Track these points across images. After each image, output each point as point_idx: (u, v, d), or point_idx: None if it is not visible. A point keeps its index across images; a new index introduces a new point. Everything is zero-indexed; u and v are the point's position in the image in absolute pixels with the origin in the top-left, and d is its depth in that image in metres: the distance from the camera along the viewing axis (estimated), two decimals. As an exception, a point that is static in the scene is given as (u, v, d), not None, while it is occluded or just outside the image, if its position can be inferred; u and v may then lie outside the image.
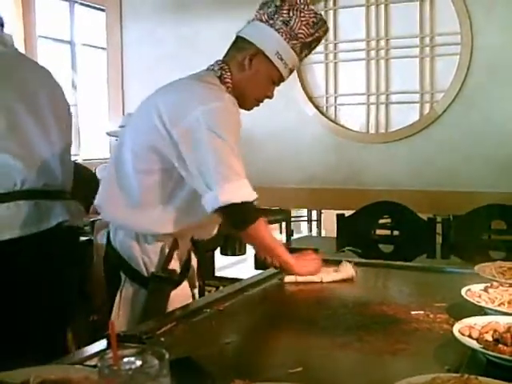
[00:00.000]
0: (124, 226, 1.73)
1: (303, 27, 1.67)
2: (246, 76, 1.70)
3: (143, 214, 1.68)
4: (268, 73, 1.71)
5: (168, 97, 1.68)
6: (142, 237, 1.70)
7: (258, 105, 1.79)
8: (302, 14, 1.67)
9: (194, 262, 1.92)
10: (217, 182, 1.55)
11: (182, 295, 1.75)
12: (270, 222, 1.92)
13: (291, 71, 1.75)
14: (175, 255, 1.72)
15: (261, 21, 1.70)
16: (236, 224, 1.68)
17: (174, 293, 1.73)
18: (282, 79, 1.75)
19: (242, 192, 1.57)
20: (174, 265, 1.72)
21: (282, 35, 1.67)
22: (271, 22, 1.68)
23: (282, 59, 1.68)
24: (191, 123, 1.57)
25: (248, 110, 1.79)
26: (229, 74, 1.69)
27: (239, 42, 1.73)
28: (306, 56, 1.77)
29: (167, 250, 1.71)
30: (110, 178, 1.76)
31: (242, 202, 1.56)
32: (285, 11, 1.67)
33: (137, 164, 1.67)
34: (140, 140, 1.69)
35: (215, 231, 1.89)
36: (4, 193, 1.78)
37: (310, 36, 1.69)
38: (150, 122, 1.64)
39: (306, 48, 1.72)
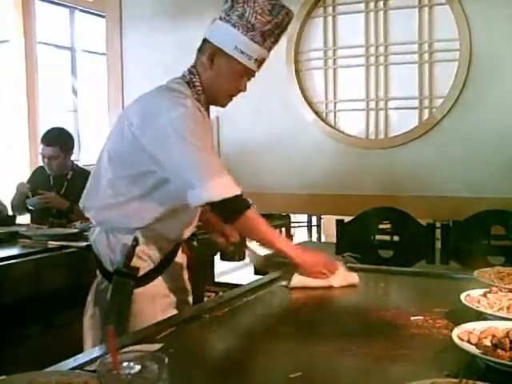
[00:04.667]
0: (100, 221, 1.81)
1: (259, 16, 1.68)
2: (211, 75, 1.75)
3: (117, 210, 1.75)
4: (231, 68, 1.72)
5: (138, 107, 1.77)
6: (111, 232, 1.77)
7: (231, 99, 1.81)
8: (256, 4, 1.68)
9: (180, 262, 1.92)
10: (198, 180, 1.63)
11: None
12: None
13: (261, 62, 1.75)
14: (141, 254, 1.75)
15: (220, 19, 1.73)
16: (225, 218, 1.74)
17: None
18: (250, 72, 1.75)
19: (221, 189, 1.64)
20: (139, 263, 1.75)
21: (238, 29, 1.68)
22: (228, 18, 1.70)
23: (242, 52, 1.69)
24: (158, 131, 1.66)
25: (223, 105, 1.82)
26: (197, 76, 1.76)
27: (203, 44, 1.78)
28: (274, 44, 1.75)
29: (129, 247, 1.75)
30: (91, 178, 1.85)
31: (225, 199, 1.63)
32: (239, 5, 1.69)
33: (112, 169, 1.76)
34: (114, 147, 1.79)
35: (188, 232, 1.88)
36: None
37: (267, 24, 1.69)
38: (122, 131, 1.74)
39: (269, 36, 1.71)
